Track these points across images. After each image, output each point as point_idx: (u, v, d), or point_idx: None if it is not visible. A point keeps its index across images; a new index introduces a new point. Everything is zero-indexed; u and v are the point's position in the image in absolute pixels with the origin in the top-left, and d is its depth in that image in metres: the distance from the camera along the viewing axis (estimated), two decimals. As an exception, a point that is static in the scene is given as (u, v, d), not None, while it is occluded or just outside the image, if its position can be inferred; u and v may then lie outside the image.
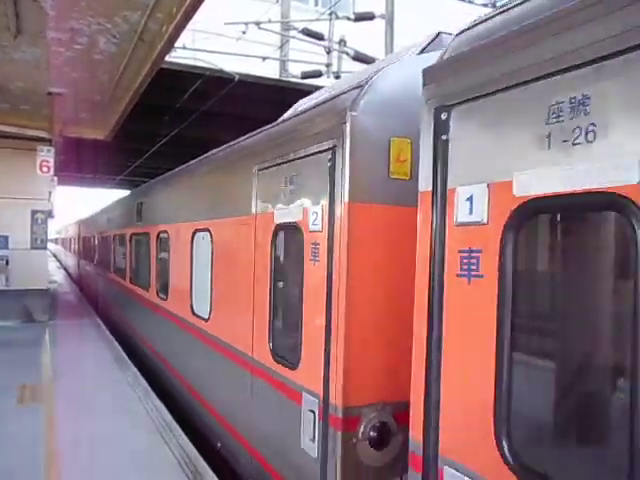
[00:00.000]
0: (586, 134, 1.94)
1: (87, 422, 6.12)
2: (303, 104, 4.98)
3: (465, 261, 2.46)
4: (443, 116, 2.64)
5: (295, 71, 13.81)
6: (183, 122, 14.67)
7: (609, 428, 2.09)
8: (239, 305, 5.15)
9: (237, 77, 12.26)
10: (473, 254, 2.42)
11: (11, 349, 9.90)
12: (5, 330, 11.69)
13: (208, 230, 6.17)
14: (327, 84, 12.54)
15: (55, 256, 51.30)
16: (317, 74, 13.00)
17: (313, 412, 3.65)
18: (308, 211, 3.85)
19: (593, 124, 1.92)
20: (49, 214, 14.51)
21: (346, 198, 3.38)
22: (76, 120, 11.95)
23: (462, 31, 2.91)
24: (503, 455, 2.19)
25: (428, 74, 2.81)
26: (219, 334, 5.70)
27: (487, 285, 2.31)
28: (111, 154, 17.68)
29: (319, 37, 12.36)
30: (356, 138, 3.40)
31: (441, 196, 2.61)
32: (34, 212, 13.20)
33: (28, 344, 10.41)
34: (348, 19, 12.53)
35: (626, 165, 1.80)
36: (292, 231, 4.17)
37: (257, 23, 11.87)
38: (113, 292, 13.44)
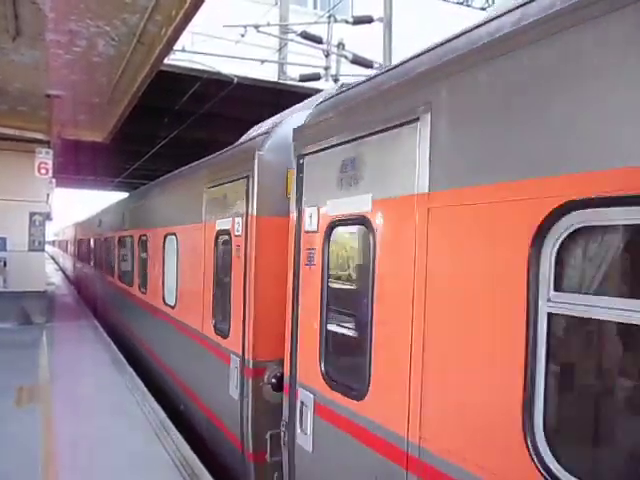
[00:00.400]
0: (355, 181, 3.41)
1: (85, 424, 6.12)
2: (253, 131, 6.11)
3: (308, 255, 3.94)
4: (300, 162, 4.12)
5: (294, 74, 13.84)
6: (182, 124, 14.69)
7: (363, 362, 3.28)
8: (194, 294, 6.57)
9: (236, 80, 12.29)
10: (312, 251, 3.90)
11: (9, 351, 9.89)
12: (3, 332, 11.69)
13: (175, 234, 7.64)
14: (326, 87, 12.58)
15: (53, 258, 51.25)
16: (316, 77, 13.02)
17: (236, 367, 5.12)
18: (234, 221, 5.35)
19: (357, 175, 3.40)
20: (47, 216, 14.52)
21: (255, 212, 4.89)
22: (74, 122, 11.95)
23: (320, 102, 4.36)
24: (322, 372, 3.68)
25: (295, 133, 4.29)
26: (182, 318, 7.15)
27: (317, 270, 3.81)
28: (110, 156, 17.70)
29: (317, 40, 12.38)
30: (262, 169, 4.89)
31: (299, 213, 4.07)
32: (32, 214, 13.20)
33: (26, 346, 10.40)
34: (347, 22, 12.55)
35: (366, 200, 3.27)
36: (226, 236, 5.63)
37: (256, 26, 11.89)
38: (104, 288, 14.83)
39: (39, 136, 11.91)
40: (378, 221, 3.20)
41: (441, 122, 2.74)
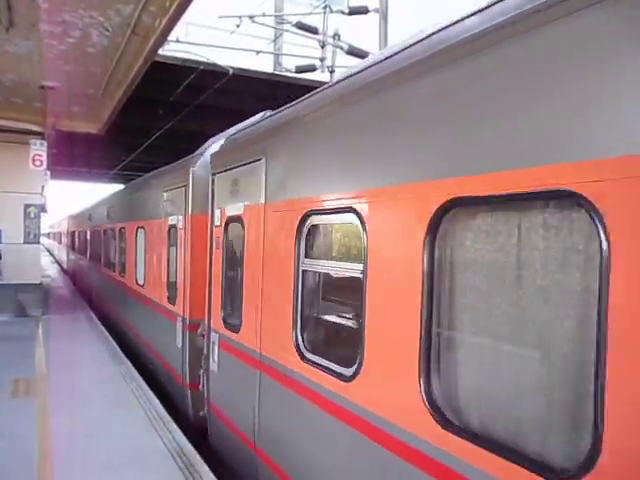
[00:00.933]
0: (237, 193, 5.26)
1: (80, 415, 6.14)
2: (212, 142, 7.34)
3: (217, 241, 5.78)
4: (213, 178, 6.01)
5: (289, 65, 13.79)
6: (177, 116, 14.62)
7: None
8: (156, 274, 8.63)
9: (231, 71, 12.23)
10: (218, 238, 5.74)
11: (4, 343, 9.90)
12: (-2, 324, 11.69)
13: (144, 227, 9.63)
14: (321, 78, 12.55)
15: (48, 250, 51.13)
16: (311, 68, 12.98)
17: (180, 325, 7.11)
18: (178, 218, 7.36)
19: (238, 189, 5.29)
20: (42, 208, 14.46)
21: (190, 212, 6.91)
22: (69, 113, 11.89)
23: (225, 140, 6.47)
24: (222, 320, 5.51)
25: (211, 157, 6.24)
26: (149, 294, 9.06)
27: (221, 251, 5.65)
28: (104, 148, 17.60)
29: (313, 31, 12.33)
30: (194, 181, 6.92)
31: (212, 213, 5.95)
32: (27, 206, 13.16)
33: (21, 338, 10.40)
34: (342, 13, 12.50)
35: (240, 206, 5.14)
36: (174, 229, 7.63)
37: (251, 16, 11.82)
38: (92, 274, 17.17)
39: (33, 127, 11.86)
40: (246, 219, 5.09)
41: (269, 162, 4.67)
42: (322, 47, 12.85)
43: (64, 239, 33.10)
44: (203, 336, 6.20)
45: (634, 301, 1.81)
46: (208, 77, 12.47)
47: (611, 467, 1.84)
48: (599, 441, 1.87)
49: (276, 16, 13.65)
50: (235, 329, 5.21)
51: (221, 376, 5.70)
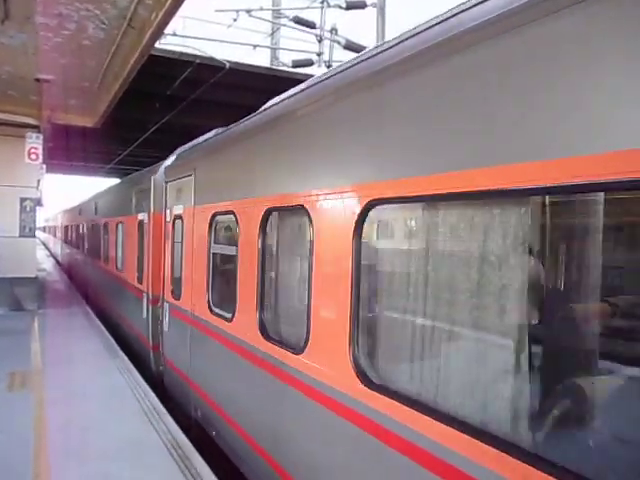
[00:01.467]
0: (180, 198, 7.29)
1: (77, 408, 6.15)
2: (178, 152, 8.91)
3: (167, 234, 7.82)
4: (166, 185, 7.94)
5: (286, 59, 13.76)
6: (174, 109, 14.58)
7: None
8: (129, 260, 10.67)
9: (228, 65, 12.20)
10: (168, 232, 7.76)
11: (0, 337, 9.89)
12: (-6, 318, 11.67)
13: (122, 222, 11.59)
14: (318, 73, 12.52)
15: (44, 244, 51.01)
16: (308, 63, 12.96)
17: (145, 300, 8.84)
18: (144, 215, 9.20)
19: (180, 195, 7.31)
20: (38, 202, 14.42)
21: (152, 210, 8.68)
22: (65, 107, 11.85)
23: (174, 157, 8.56)
24: (171, 292, 7.44)
25: (165, 168, 8.41)
26: (125, 277, 10.92)
27: (170, 242, 7.68)
28: (100, 142, 17.55)
29: (310, 25, 12.30)
30: (155, 185, 8.68)
31: (165, 212, 7.93)
32: (23, 200, 13.12)
33: (17, 332, 10.40)
34: (340, 7, 12.47)
35: (181, 208, 7.14)
36: (142, 224, 9.40)
37: (248, 10, 11.79)
38: (83, 262, 19.24)
39: (29, 121, 11.81)
40: (184, 217, 6.95)
41: (197, 177, 6.53)
42: (319, 42, 12.83)
43: (58, 233, 36.01)
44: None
45: None
46: (205, 71, 12.43)
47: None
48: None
49: (273, 10, 13.61)
50: (178, 298, 7.14)
51: (170, 335, 7.65)
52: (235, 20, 12.16)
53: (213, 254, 5.93)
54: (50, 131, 12.70)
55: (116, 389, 7.01)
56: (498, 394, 2.59)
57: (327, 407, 3.55)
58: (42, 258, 32.20)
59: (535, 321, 2.78)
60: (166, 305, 7.69)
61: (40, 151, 11.30)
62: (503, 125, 2.34)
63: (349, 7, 12.45)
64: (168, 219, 7.72)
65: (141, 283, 9.24)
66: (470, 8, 2.70)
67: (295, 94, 4.59)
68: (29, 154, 11.18)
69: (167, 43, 12.36)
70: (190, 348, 6.54)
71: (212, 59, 12.24)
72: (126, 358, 8.66)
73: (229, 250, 5.50)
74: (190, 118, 15.57)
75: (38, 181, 13.83)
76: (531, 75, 2.21)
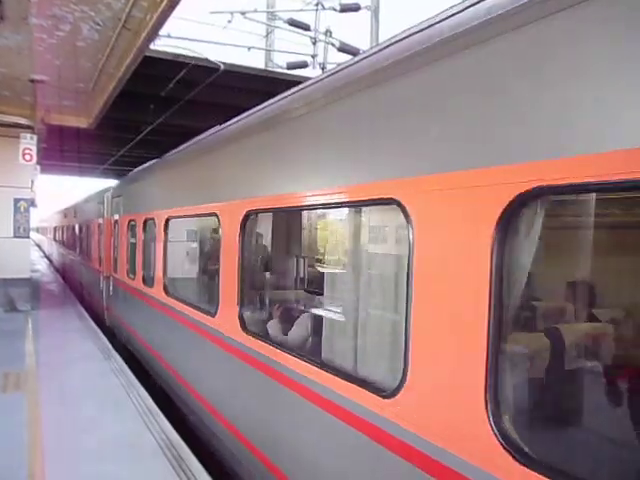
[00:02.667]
0: (118, 210, 11.56)
1: (71, 409, 6.16)
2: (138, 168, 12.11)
3: (112, 233, 11.94)
4: (114, 199, 11.94)
5: (281, 61, 13.80)
6: (168, 111, 14.58)
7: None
8: (94, 251, 14.42)
9: (222, 66, 12.22)
10: (112, 231, 11.84)
11: (-7, 338, 9.87)
12: (-13, 319, 11.63)
13: (89, 224, 15.98)
14: (313, 75, 12.56)
15: (38, 245, 50.79)
16: (303, 65, 13.00)
17: (101, 276, 12.99)
18: (101, 219, 13.47)
19: (118, 208, 11.63)
20: (32, 203, 14.39)
21: (104, 216, 12.98)
22: (59, 108, 11.83)
23: (120, 181, 13.26)
24: (113, 269, 11.77)
25: (112, 189, 12.58)
26: (92, 263, 14.72)
27: (113, 238, 11.79)
28: (95, 143, 17.52)
29: (305, 27, 12.35)
30: (107, 200, 12.76)
31: (113, 217, 11.91)
32: (17, 200, 13.09)
33: (11, 333, 10.37)
34: (334, 10, 12.53)
35: (118, 216, 11.40)
36: (100, 225, 13.69)
37: (242, 12, 11.82)
38: (70, 259, 22.41)
39: (23, 121, 11.78)
40: (119, 222, 10.93)
41: (123, 199, 10.92)
42: (314, 44, 12.87)
43: (49, 234, 40.27)
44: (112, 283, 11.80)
45: None
46: (199, 72, 12.44)
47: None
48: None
49: (268, 12, 13.64)
50: (115, 271, 11.31)
51: (112, 295, 11.84)
52: (229, 22, 12.18)
53: (131, 243, 9.86)
54: (44, 132, 12.68)
55: (110, 390, 7.02)
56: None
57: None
58: (36, 259, 32.06)
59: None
60: (112, 279, 11.82)
61: (34, 152, 11.28)
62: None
63: (343, 10, 12.50)
64: (117, 222, 11.30)
65: (100, 266, 13.32)
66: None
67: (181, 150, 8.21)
68: (23, 155, 11.16)
69: (162, 44, 12.37)
70: (120, 299, 10.95)
71: (207, 60, 12.26)
72: (121, 360, 8.65)
73: (136, 240, 9.36)
74: (184, 119, 15.57)
75: (32, 182, 13.80)
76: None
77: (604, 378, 3.06)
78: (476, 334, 2.32)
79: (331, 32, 12.61)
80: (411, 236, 2.76)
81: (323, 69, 12.82)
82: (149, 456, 5.03)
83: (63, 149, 18.34)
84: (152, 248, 8.23)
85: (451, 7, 2.90)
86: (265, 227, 7.06)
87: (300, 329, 4.93)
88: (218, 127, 6.46)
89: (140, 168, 10.77)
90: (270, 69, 14.17)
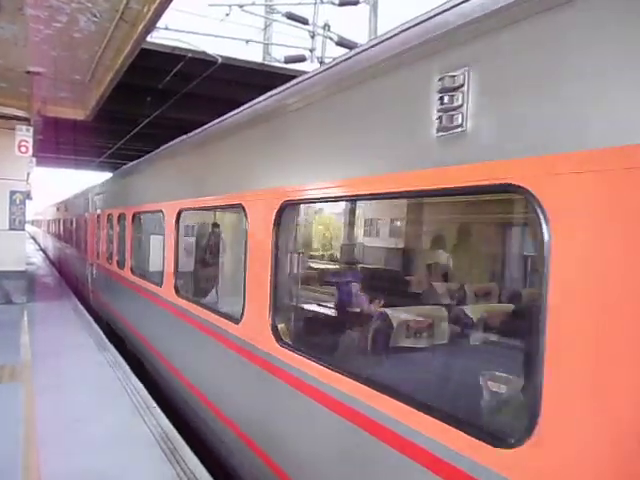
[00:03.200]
0: (100, 206, 13.23)
1: (66, 400, 6.16)
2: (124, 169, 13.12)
3: (95, 225, 13.71)
4: (94, 198, 14.28)
5: (279, 55, 13.75)
6: (165, 104, 14.53)
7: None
8: (82, 241, 16.00)
9: (220, 59, 12.18)
10: (95, 223, 13.63)
11: (-12, 330, 9.85)
12: (-18, 311, 11.60)
13: (77, 218, 18.02)
14: (310, 69, 12.51)
15: (33, 238, 50.64)
16: (301, 59, 12.95)
17: (87, 263, 14.71)
18: (87, 214, 15.35)
19: (100, 204, 13.43)
20: (27, 195, 14.34)
21: (89, 211, 14.87)
22: (55, 99, 11.78)
23: (101, 181, 14.31)
24: (97, 255, 13.25)
25: (93, 189, 14.88)
26: (79, 252, 16.85)
27: (95, 229, 13.67)
28: (91, 135, 17.49)
29: (303, 21, 12.30)
30: (91, 198, 14.69)
31: (96, 212, 13.59)
32: (12, 193, 13.03)
33: (6, 325, 10.36)
34: (332, 4, 12.48)
35: (99, 211, 13.30)
36: (85, 219, 15.64)
37: (240, 5, 11.77)
38: (62, 247, 24.38)
39: (19, 113, 11.72)
40: (101, 216, 12.63)
41: (102, 195, 13.06)
42: (312, 37, 12.82)
43: (43, 226, 42.00)
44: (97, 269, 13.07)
45: None
46: (197, 65, 12.40)
47: None
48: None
49: (266, 5, 13.59)
50: (98, 258, 12.89)
51: (95, 279, 13.34)
52: (227, 15, 12.13)
53: (108, 233, 11.71)
54: (40, 124, 12.62)
55: (106, 382, 7.02)
56: None
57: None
58: (31, 252, 31.96)
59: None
60: (94, 264, 13.54)
61: (30, 144, 11.24)
62: None
63: (342, 4, 12.46)
64: (99, 216, 12.95)
65: (86, 254, 14.93)
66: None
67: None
68: (19, 147, 11.11)
69: (159, 37, 12.31)
70: (102, 282, 12.44)
71: (204, 53, 12.21)
72: (117, 352, 8.66)
73: (111, 230, 11.26)
74: (181, 112, 15.53)
75: (28, 174, 13.74)
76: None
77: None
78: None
79: (329, 26, 12.58)
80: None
81: (321, 63, 12.78)
82: (144, 448, 5.03)
83: (59, 141, 18.27)
84: (124, 238, 10.02)
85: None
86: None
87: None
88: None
89: (117, 171, 13.09)
90: (267, 63, 14.13)
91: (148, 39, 9.12)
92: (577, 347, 1.98)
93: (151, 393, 6.67)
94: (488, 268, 5.64)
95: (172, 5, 6.99)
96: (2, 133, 12.03)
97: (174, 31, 12.58)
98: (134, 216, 9.38)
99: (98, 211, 13.16)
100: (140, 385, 6.94)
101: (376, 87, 3.08)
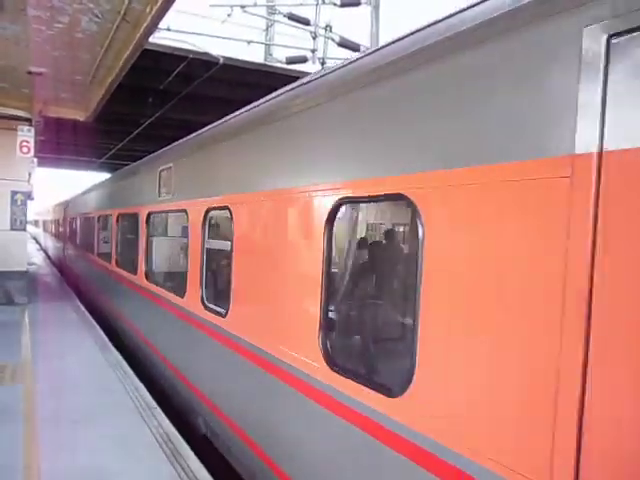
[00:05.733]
0: (89, 207, 15.91)
1: (67, 401, 6.15)
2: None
3: (70, 224, 20.42)
4: (68, 204, 21.78)
5: (280, 56, 13.74)
6: (167, 104, 14.54)
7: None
8: (68, 235, 21.10)
9: (221, 60, 12.17)
10: (72, 222, 19.92)
11: (-10, 330, 9.85)
12: (-17, 311, 11.60)
13: (64, 218, 22.70)
14: (312, 70, 12.51)
15: (35, 238, 50.68)
16: (302, 59, 12.95)
17: (63, 248, 21.38)
18: (64, 216, 22.02)
19: (88, 205, 16.29)
20: (29, 195, 14.34)
21: (67, 214, 21.66)
22: (57, 100, 11.77)
23: (72, 197, 20.26)
24: (75, 243, 18.83)
25: (72, 197, 20.32)
26: (65, 244, 21.61)
27: (73, 226, 19.42)
28: (93, 136, 17.46)
29: (304, 22, 12.30)
30: (67, 205, 21.82)
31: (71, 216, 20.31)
32: (14, 193, 13.03)
33: (7, 325, 10.35)
34: (334, 5, 12.47)
35: (94, 213, 14.76)
36: (65, 219, 22.29)
37: (242, 6, 11.76)
38: (61, 244, 25.28)
39: (21, 114, 11.73)
40: (101, 220, 13.13)
41: (72, 204, 20.58)
42: (314, 38, 12.82)
43: (47, 226, 41.63)
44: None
45: None
46: (198, 66, 12.40)
47: None
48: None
49: (268, 6, 13.58)
50: (70, 243, 20.14)
51: (68, 258, 19.60)
52: (229, 15, 12.12)
53: (75, 229, 16.35)
54: (42, 124, 12.62)
55: (107, 383, 7.01)
56: None
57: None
58: (32, 252, 31.98)
59: None
60: (67, 248, 16.48)
61: (32, 144, 11.24)
62: None
63: (343, 4, 12.45)
64: (69, 218, 16.45)
65: (64, 242, 18.25)
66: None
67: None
68: (21, 147, 11.11)
69: (161, 37, 12.30)
70: (71, 258, 16.76)
71: (206, 54, 12.20)
72: (118, 353, 8.65)
73: (78, 227, 15.98)
74: (183, 113, 15.54)
75: (29, 174, 13.74)
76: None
77: None
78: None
79: (331, 27, 12.57)
80: None
81: (322, 64, 12.78)
82: (145, 449, 5.03)
83: (60, 142, 18.28)
84: (85, 231, 14.99)
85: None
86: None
87: None
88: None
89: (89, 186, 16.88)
90: (269, 63, 14.12)
91: (150, 40, 9.11)
92: (437, 324, 2.62)
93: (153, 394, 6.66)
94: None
95: (173, 6, 6.99)
96: (4, 133, 12.03)
97: (176, 32, 12.58)
98: (99, 218, 12.74)
99: (71, 214, 18.38)
100: (141, 386, 6.93)
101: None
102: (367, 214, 7.39)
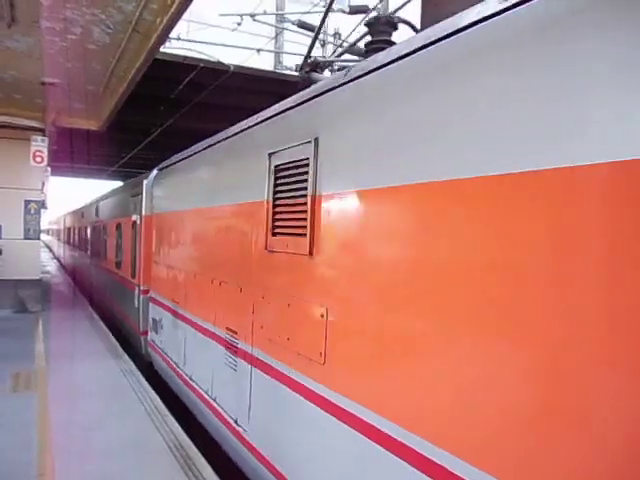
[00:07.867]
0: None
1: (80, 409, 6.20)
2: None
3: (69, 232, 28.04)
4: (67, 216, 31.65)
5: (290, 63, 13.82)
6: (178, 113, 14.65)
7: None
8: (71, 238, 26.85)
9: (232, 68, 12.26)
10: (70, 230, 27.03)
11: (4, 338, 9.94)
12: (-2, 319, 11.73)
13: (68, 227, 29.13)
14: (324, 76, 12.54)
15: (48, 247, 51.18)
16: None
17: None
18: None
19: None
20: (42, 205, 14.50)
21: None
22: (69, 110, 11.92)
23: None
24: (74, 245, 24.25)
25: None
26: (83, 252, 20.59)
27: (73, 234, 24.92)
28: (105, 145, 17.62)
29: (314, 30, 12.35)
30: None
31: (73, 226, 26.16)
32: (27, 202, 13.20)
33: (21, 333, 10.45)
34: (343, 12, 12.51)
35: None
36: (67, 228, 29.77)
37: (252, 15, 11.85)
38: (70, 251, 27.60)
39: (34, 124, 11.88)
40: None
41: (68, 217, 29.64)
42: (322, 46, 12.88)
43: (62, 235, 42.51)
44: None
45: None
46: (209, 74, 12.48)
47: None
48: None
49: (277, 14, 13.68)
50: (69, 244, 28.05)
51: (67, 255, 28.84)
52: (239, 24, 12.22)
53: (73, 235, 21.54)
54: (55, 134, 12.78)
55: (119, 390, 7.05)
56: None
57: None
58: (46, 260, 32.29)
59: None
60: (67, 246, 21.29)
61: (45, 154, 11.38)
62: None
63: (352, 12, 12.47)
64: (68, 227, 21.50)
65: (66, 244, 19.14)
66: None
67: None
68: (34, 157, 11.26)
69: (171, 47, 12.43)
70: (68, 256, 24.47)
71: (216, 62, 12.30)
72: (130, 360, 8.70)
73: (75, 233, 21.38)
74: (194, 121, 15.64)
75: (43, 184, 13.91)
76: None
77: None
78: None
79: (340, 34, 12.62)
80: None
81: (331, 71, 12.80)
82: (157, 456, 5.04)
83: (73, 151, 18.48)
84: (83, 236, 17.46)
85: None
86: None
87: None
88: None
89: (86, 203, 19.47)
90: (279, 71, 14.20)
91: (160, 49, 9.21)
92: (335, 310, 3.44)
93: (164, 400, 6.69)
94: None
95: (184, 16, 7.07)
96: (17, 143, 12.21)
97: (186, 41, 12.71)
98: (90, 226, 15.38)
99: (69, 224, 21.44)
100: (153, 393, 6.96)
101: None
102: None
